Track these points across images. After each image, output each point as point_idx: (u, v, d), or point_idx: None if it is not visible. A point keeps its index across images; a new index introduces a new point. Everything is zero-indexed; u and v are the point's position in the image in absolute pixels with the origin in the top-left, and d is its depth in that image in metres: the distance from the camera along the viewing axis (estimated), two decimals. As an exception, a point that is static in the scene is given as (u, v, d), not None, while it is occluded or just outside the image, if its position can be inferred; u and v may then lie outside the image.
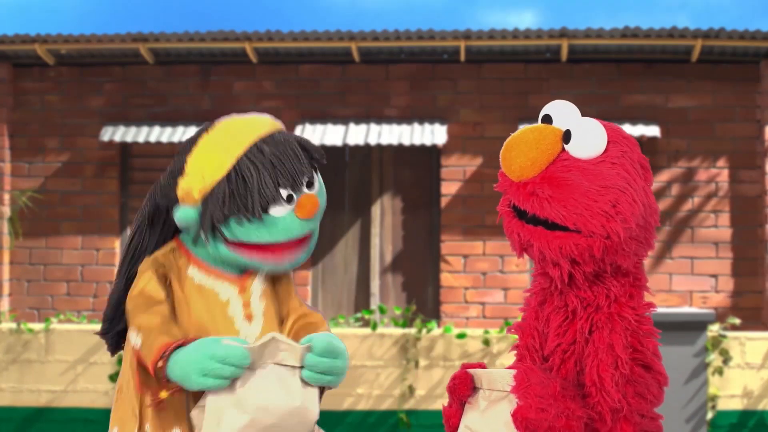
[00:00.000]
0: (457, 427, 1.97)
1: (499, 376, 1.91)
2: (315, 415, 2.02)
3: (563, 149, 1.89)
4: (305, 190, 2.11)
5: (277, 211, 2.07)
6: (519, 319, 2.12)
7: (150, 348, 1.99)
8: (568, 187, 1.83)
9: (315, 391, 2.03)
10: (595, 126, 1.89)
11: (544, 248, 1.87)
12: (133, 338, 2.04)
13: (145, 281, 2.09)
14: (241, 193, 2.04)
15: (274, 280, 2.22)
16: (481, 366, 2.01)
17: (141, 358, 2.03)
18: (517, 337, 2.10)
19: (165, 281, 2.11)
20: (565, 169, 1.85)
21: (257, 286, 2.15)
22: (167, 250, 2.16)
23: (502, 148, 1.90)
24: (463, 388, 1.95)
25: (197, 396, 2.00)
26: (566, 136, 1.89)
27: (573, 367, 1.92)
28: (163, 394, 1.99)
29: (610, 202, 1.83)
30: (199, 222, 2.08)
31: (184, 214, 2.09)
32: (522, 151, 1.86)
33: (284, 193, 2.07)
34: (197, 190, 2.07)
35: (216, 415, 1.95)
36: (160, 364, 1.96)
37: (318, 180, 2.17)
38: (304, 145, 2.16)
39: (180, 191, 2.09)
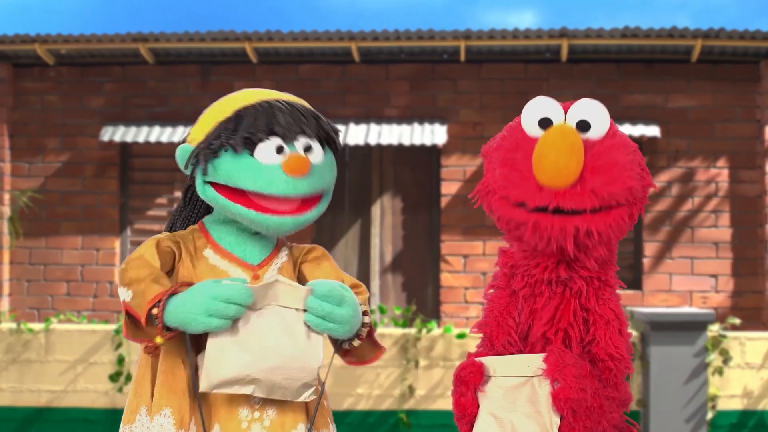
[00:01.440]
0: (475, 416, 1.95)
1: (518, 362, 1.91)
2: (318, 362, 1.99)
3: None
4: (299, 150, 2.09)
5: (263, 155, 2.05)
6: (480, 319, 2.10)
7: (142, 296, 1.96)
8: (613, 167, 1.87)
9: (319, 338, 2.00)
10: (598, 106, 1.95)
11: (603, 229, 1.87)
12: (123, 293, 2.02)
13: (144, 249, 2.08)
14: (231, 129, 2.06)
15: (308, 266, 2.20)
16: (484, 355, 2.01)
17: (131, 309, 1.99)
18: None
19: (172, 255, 2.11)
20: (599, 155, 1.87)
21: (270, 276, 2.13)
22: (187, 231, 2.18)
23: (542, 162, 1.84)
24: (477, 376, 1.95)
25: (194, 339, 1.99)
26: (583, 126, 1.90)
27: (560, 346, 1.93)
28: (158, 340, 1.96)
29: (638, 164, 1.92)
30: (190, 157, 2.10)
31: (181, 149, 2.13)
32: (570, 157, 1.83)
33: (275, 140, 2.06)
34: (202, 133, 2.11)
35: (218, 352, 1.94)
36: (155, 311, 1.94)
37: (324, 155, 2.13)
38: (315, 115, 2.15)
39: (189, 137, 2.14)
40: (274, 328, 1.96)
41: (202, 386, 1.96)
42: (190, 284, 2.00)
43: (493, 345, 2.05)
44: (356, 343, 2.08)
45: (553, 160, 1.83)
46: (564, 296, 1.95)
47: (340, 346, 2.09)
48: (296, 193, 2.07)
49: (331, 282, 2.03)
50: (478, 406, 1.94)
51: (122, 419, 2.09)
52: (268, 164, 2.05)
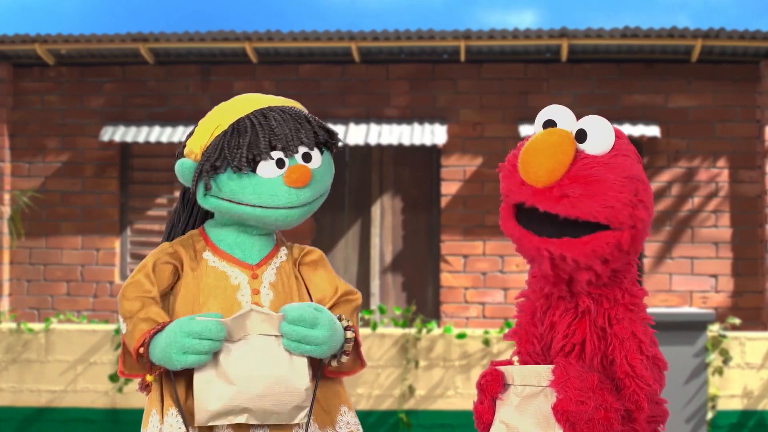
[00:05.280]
0: (490, 424, 1.99)
1: (533, 372, 1.94)
2: (304, 384, 2.03)
3: (577, 149, 1.91)
4: (299, 160, 2.12)
5: (265, 171, 2.09)
6: (513, 326, 2.13)
7: (131, 335, 2.05)
8: (597, 182, 1.85)
9: (303, 361, 2.04)
10: (603, 122, 1.94)
11: (578, 256, 1.87)
12: (121, 326, 2.11)
13: (139, 273, 2.13)
14: (232, 146, 2.08)
15: (306, 269, 2.24)
16: (510, 363, 2.04)
17: (126, 344, 2.09)
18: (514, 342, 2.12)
19: (172, 268, 2.14)
20: (588, 167, 1.87)
21: (269, 275, 2.17)
22: (187, 236, 2.22)
23: (522, 155, 1.89)
24: (495, 385, 1.97)
25: (183, 374, 2.04)
26: (581, 136, 1.91)
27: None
28: (149, 378, 2.05)
29: (633, 192, 1.87)
30: (192, 174, 2.12)
31: (181, 164, 2.14)
32: (548, 155, 1.85)
33: (275, 155, 2.09)
34: (199, 146, 2.12)
35: (204, 386, 1.99)
36: (141, 350, 2.02)
37: (322, 159, 2.17)
38: (310, 120, 2.18)
39: (186, 149, 2.16)
40: (256, 357, 2.01)
41: (197, 420, 2.01)
42: (172, 320, 2.05)
43: (520, 354, 2.09)
44: (344, 359, 2.11)
45: (532, 155, 1.87)
46: (577, 311, 1.97)
47: (328, 363, 2.11)
48: (299, 202, 2.12)
49: (302, 305, 2.06)
50: (494, 414, 1.98)
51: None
52: (270, 178, 2.09)
